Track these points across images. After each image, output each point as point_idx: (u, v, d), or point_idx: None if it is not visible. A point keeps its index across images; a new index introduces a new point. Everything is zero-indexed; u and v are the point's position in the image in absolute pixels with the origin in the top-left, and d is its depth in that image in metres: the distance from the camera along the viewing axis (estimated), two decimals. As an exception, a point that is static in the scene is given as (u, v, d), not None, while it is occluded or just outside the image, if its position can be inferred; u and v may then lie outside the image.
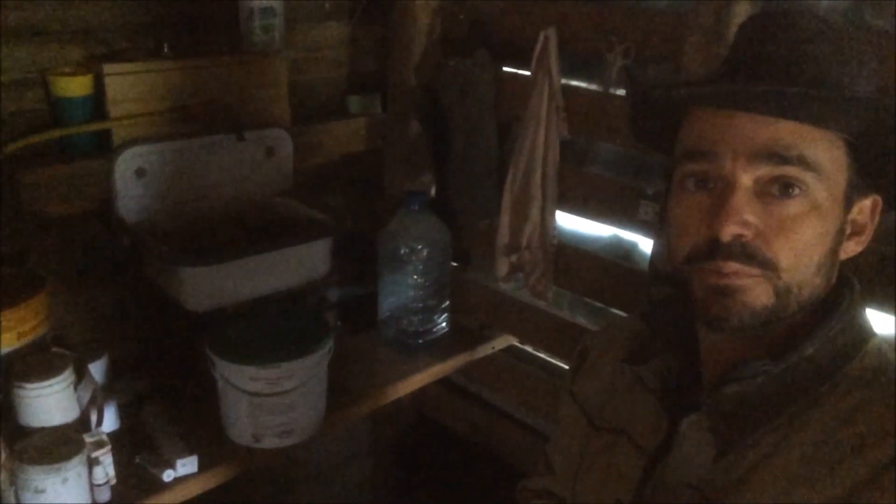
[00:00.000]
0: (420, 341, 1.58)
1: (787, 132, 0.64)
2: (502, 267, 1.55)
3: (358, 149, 1.71)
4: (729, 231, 0.64)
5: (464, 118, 1.52)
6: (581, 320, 1.62)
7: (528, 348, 1.76)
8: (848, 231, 0.70)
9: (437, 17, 1.58)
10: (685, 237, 0.69)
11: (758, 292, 0.66)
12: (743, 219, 0.65)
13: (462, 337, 1.65)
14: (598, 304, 1.68)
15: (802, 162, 0.64)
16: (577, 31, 1.37)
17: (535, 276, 1.51)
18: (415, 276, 1.51)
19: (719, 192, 0.66)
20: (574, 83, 1.46)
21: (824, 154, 0.65)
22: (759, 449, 0.68)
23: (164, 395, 1.36)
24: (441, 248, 1.53)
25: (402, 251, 1.50)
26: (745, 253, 0.65)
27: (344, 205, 1.71)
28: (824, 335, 0.68)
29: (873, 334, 0.71)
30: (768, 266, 0.65)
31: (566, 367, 1.70)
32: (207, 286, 1.34)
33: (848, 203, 0.68)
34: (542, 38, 1.39)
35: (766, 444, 0.67)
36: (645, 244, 1.61)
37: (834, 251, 0.69)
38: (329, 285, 1.64)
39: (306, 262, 1.47)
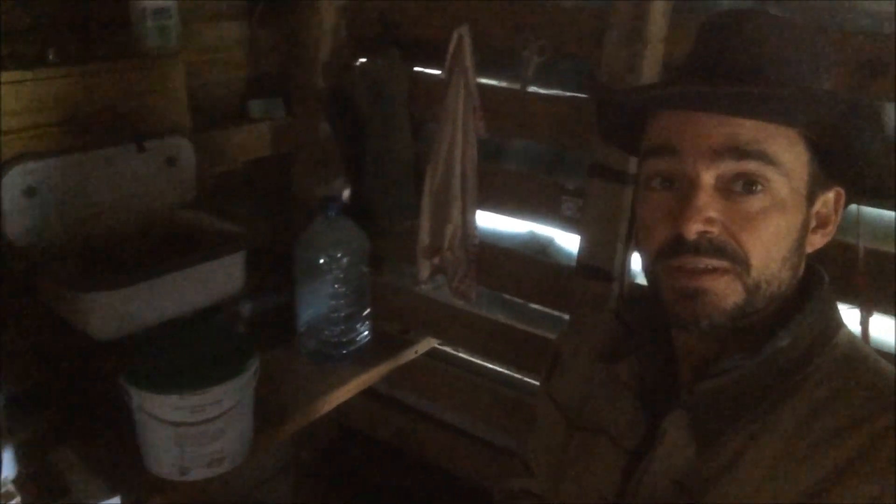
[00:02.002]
0: (343, 351, 1.52)
1: (748, 129, 0.65)
2: (424, 269, 1.53)
3: (263, 154, 1.63)
4: (693, 229, 0.65)
5: (377, 119, 1.48)
6: (501, 317, 1.62)
7: (449, 349, 1.74)
8: (813, 224, 0.71)
9: (343, 15, 1.53)
10: (652, 236, 0.70)
11: (727, 292, 0.67)
12: (707, 216, 0.66)
13: (384, 344, 1.61)
14: (517, 301, 1.70)
15: (763, 157, 0.65)
16: (491, 29, 1.36)
17: (459, 277, 1.50)
18: (335, 285, 1.46)
19: (684, 191, 0.67)
20: (487, 81, 1.45)
21: (785, 150, 0.66)
22: (738, 441, 0.69)
23: (73, 432, 1.24)
24: (361, 255, 1.49)
25: (322, 259, 1.45)
26: (714, 247, 0.66)
27: (253, 214, 1.63)
28: (797, 327, 0.70)
29: (843, 324, 0.74)
30: (738, 260, 0.66)
31: (489, 365, 1.72)
32: (114, 311, 1.24)
33: (811, 197, 0.70)
34: (455, 36, 1.37)
35: (745, 437, 0.69)
36: (561, 239, 1.63)
37: (799, 245, 0.70)
38: (240, 299, 1.56)
39: (220, 277, 1.39)
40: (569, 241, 1.62)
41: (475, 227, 1.47)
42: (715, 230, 0.66)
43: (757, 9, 0.70)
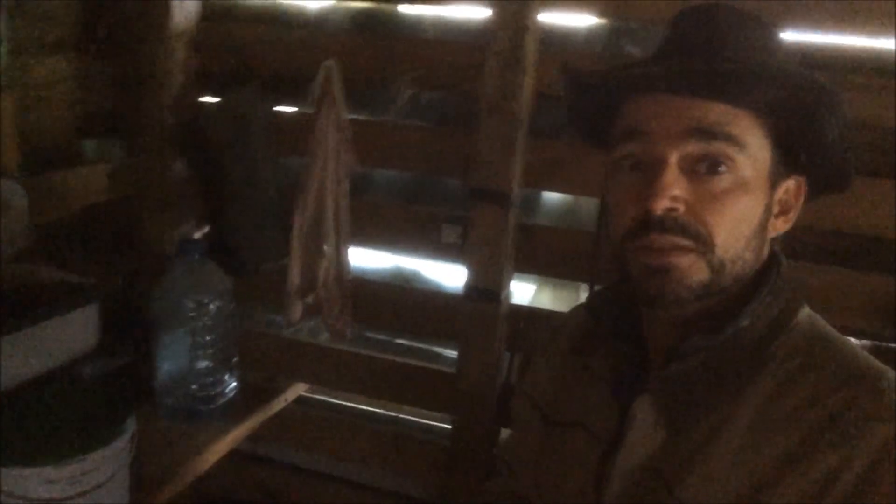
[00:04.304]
0: (211, 406, 1.40)
1: (715, 112, 0.68)
2: (296, 310, 1.46)
3: (102, 198, 1.47)
4: (660, 205, 0.68)
5: (240, 157, 1.40)
6: (373, 353, 1.58)
7: (317, 395, 1.67)
8: (775, 210, 0.75)
9: (192, 49, 1.44)
10: (621, 216, 0.73)
11: (693, 269, 0.70)
12: (673, 193, 0.68)
13: (252, 394, 1.51)
14: (381, 337, 1.68)
15: (729, 138, 0.68)
16: (359, 62, 1.36)
17: (335, 315, 1.45)
18: (204, 334, 1.35)
19: (651, 171, 0.70)
20: (355, 116, 1.44)
21: (750, 132, 0.69)
22: (706, 423, 0.71)
23: None
24: (228, 300, 1.39)
25: (186, 307, 1.33)
26: (678, 226, 0.69)
27: (93, 264, 1.46)
28: (757, 307, 0.72)
29: (803, 304, 0.76)
30: (702, 239, 0.69)
31: (363, 406, 1.66)
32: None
33: (773, 182, 0.73)
34: (323, 69, 1.35)
35: (714, 418, 0.71)
36: (427, 270, 1.64)
37: (762, 228, 0.73)
38: (79, 360, 1.38)
39: (70, 334, 1.23)
40: (435, 272, 1.64)
41: (349, 263, 1.44)
42: (680, 208, 0.69)
43: (726, 4, 0.73)
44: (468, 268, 1.33)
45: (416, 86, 1.33)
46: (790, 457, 0.66)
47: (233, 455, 1.66)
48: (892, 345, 1.17)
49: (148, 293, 1.35)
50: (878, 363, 0.71)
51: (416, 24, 1.46)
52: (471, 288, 1.32)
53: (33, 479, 0.98)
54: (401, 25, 1.47)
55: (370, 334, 1.67)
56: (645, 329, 0.81)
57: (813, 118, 0.69)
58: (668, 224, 0.68)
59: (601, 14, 1.27)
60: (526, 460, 0.90)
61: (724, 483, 0.68)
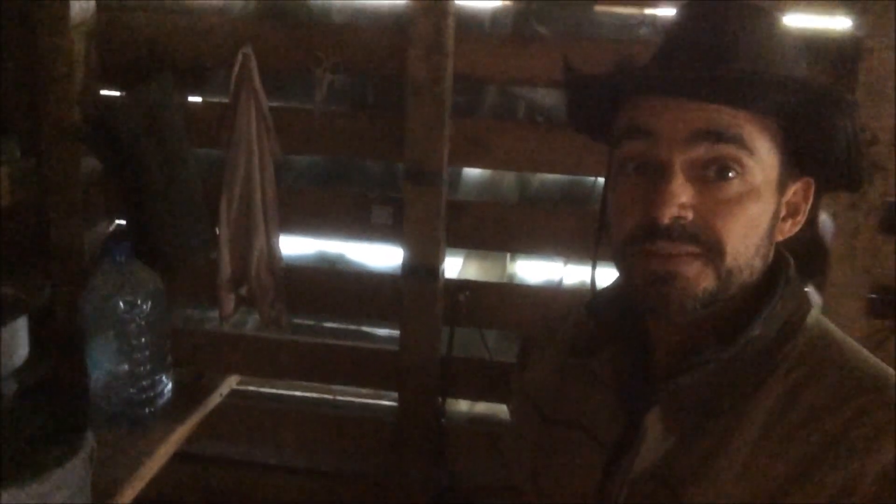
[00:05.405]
0: (149, 410, 1.37)
1: (725, 115, 0.65)
2: (228, 303, 1.44)
3: (6, 202, 1.38)
4: (668, 213, 0.65)
5: (156, 150, 1.36)
6: (305, 339, 1.59)
7: (251, 387, 1.66)
8: (783, 213, 0.72)
9: (92, 41, 1.37)
10: (624, 221, 0.69)
11: (699, 277, 0.67)
12: (680, 201, 0.65)
13: (186, 393, 1.48)
14: (309, 322, 1.69)
15: (739, 141, 0.65)
16: (275, 50, 1.35)
17: (269, 303, 1.45)
18: (140, 336, 1.31)
19: (657, 176, 0.67)
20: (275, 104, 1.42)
21: (758, 137, 0.66)
22: (715, 432, 0.69)
23: None
24: (159, 299, 1.35)
25: (117, 309, 1.29)
26: (687, 234, 0.66)
27: (11, 273, 1.38)
28: (768, 314, 0.69)
29: (811, 308, 0.74)
30: (712, 246, 0.66)
31: (298, 393, 1.66)
32: None
33: (782, 186, 0.70)
34: (240, 56, 1.34)
35: (721, 426, 0.69)
36: (351, 253, 1.67)
37: (770, 233, 0.70)
38: (11, 375, 1.32)
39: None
40: (359, 254, 1.67)
41: (279, 251, 1.44)
42: (689, 216, 0.65)
43: None
44: (405, 247, 1.37)
45: (335, 72, 1.34)
46: (800, 470, 0.64)
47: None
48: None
49: (75, 299, 1.30)
50: (885, 368, 0.69)
51: (325, 12, 1.47)
52: (409, 266, 1.36)
53: (-1, 503, 0.94)
54: (309, 14, 1.46)
55: (298, 320, 1.67)
56: (652, 334, 0.77)
57: (825, 124, 0.67)
58: (677, 232, 0.65)
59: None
60: (523, 457, 0.87)
61: (730, 494, 0.67)
